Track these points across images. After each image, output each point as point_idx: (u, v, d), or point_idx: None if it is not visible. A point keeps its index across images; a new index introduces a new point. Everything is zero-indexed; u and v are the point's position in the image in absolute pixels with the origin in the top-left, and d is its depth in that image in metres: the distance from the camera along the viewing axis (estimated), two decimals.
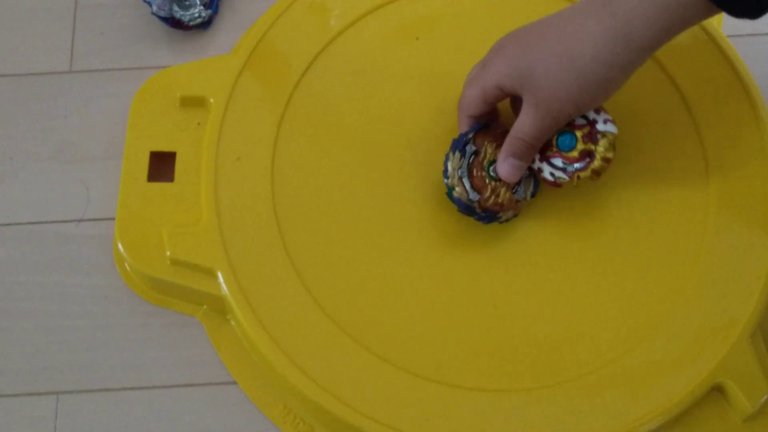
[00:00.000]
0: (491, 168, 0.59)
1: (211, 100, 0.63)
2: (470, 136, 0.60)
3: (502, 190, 0.59)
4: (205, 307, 0.61)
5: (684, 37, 0.65)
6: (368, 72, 0.65)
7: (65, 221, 0.64)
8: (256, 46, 0.65)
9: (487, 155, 0.60)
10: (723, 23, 0.68)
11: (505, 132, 0.59)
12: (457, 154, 0.59)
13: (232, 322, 0.60)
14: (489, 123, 0.61)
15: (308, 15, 0.66)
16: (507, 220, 0.60)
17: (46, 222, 0.64)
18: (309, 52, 0.65)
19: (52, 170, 0.66)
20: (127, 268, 0.62)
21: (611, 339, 0.58)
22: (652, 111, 0.64)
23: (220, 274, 0.59)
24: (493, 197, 0.59)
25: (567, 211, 0.62)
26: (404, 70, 0.65)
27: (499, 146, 0.59)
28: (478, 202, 0.59)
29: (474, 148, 0.60)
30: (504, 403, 0.56)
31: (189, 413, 0.59)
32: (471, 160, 0.60)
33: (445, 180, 0.60)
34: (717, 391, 0.58)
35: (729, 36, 0.67)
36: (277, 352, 0.57)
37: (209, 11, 0.69)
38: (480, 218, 0.60)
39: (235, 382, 0.60)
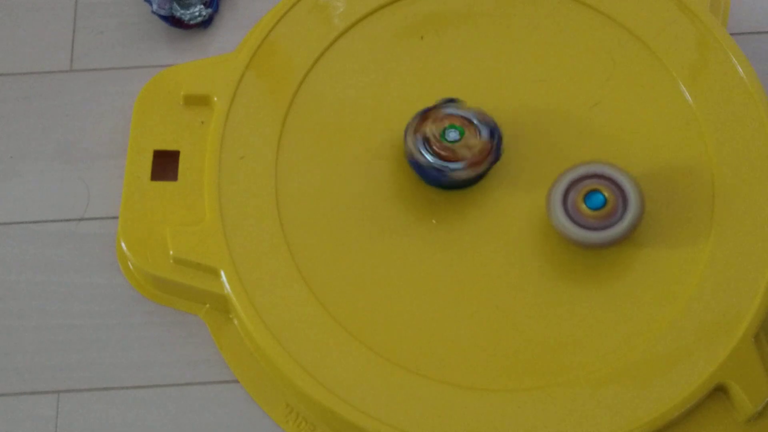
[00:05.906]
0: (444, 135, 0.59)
1: (215, 99, 0.63)
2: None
3: (471, 141, 0.59)
4: (207, 306, 0.61)
5: (688, 36, 0.65)
6: (372, 71, 0.65)
7: (66, 220, 0.64)
8: (260, 45, 0.65)
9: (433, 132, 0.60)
10: (728, 22, 0.68)
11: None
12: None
13: (235, 321, 0.60)
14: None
15: (312, 14, 0.66)
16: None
17: (47, 221, 0.64)
18: (313, 51, 0.65)
19: (53, 169, 0.66)
20: (130, 266, 0.62)
21: (614, 339, 0.58)
22: (655, 110, 0.64)
23: (222, 273, 0.58)
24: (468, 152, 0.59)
25: None
26: (408, 70, 0.65)
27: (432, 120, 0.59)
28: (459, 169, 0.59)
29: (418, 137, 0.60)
30: (506, 403, 0.56)
31: (191, 412, 0.59)
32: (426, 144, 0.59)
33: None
34: (720, 391, 0.58)
35: (733, 34, 0.66)
36: (279, 351, 0.57)
37: (209, 10, 0.69)
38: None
39: (237, 381, 0.60)
